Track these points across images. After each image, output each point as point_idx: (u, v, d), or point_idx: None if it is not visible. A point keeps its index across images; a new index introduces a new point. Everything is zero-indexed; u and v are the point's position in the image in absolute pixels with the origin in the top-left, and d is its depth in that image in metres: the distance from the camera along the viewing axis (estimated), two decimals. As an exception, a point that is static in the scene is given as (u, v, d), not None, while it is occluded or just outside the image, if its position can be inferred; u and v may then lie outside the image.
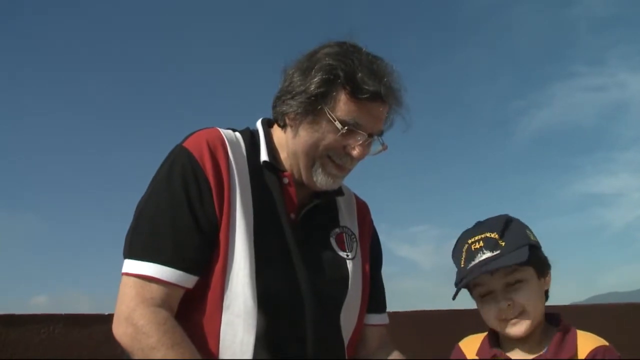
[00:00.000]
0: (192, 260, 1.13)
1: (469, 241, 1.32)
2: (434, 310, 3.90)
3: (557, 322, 1.34)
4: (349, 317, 1.32)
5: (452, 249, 1.41)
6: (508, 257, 1.26)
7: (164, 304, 1.09)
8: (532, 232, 1.36)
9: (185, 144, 1.21)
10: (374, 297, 1.41)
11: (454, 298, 1.36)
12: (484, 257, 1.28)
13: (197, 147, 1.19)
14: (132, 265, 1.11)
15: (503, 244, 1.28)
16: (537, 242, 1.35)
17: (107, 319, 2.31)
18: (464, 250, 1.33)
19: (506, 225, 1.32)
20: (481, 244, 1.30)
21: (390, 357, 1.37)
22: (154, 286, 1.09)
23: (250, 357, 1.12)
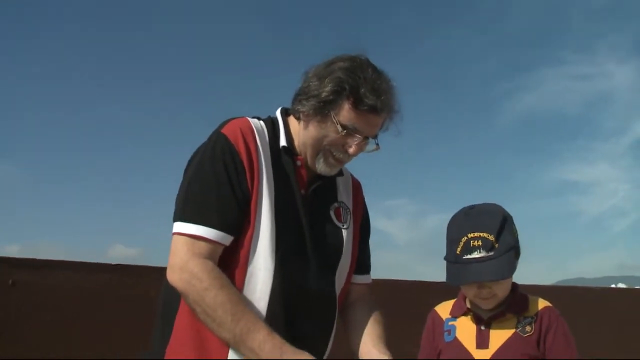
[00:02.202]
0: (231, 224, 1.43)
1: (469, 235, 1.59)
2: (402, 281, 4.25)
3: (514, 289, 1.70)
4: (341, 276, 1.64)
5: (449, 224, 1.69)
6: (499, 264, 1.56)
7: (210, 257, 1.39)
8: (515, 227, 1.67)
9: (223, 131, 1.50)
10: (361, 261, 1.73)
11: (449, 280, 1.62)
12: (480, 255, 1.57)
13: (233, 133, 1.49)
14: (183, 227, 1.41)
15: (497, 246, 1.58)
16: (517, 238, 1.67)
17: (111, 268, 2.59)
18: (462, 241, 1.60)
19: (501, 226, 1.60)
20: (479, 242, 1.58)
21: (364, 309, 1.68)
22: (202, 244, 1.39)
23: (267, 302, 1.43)
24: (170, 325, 1.46)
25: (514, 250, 1.62)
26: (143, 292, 2.49)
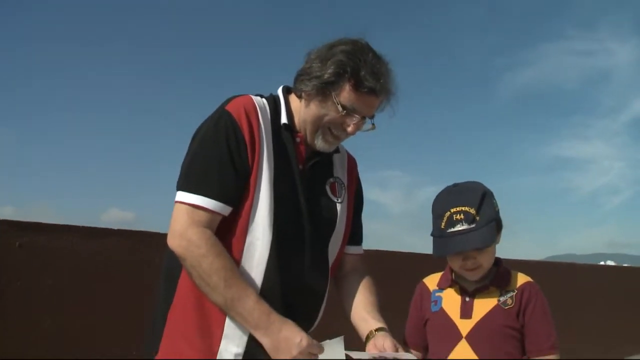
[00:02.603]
0: (230, 195, 1.53)
1: (452, 210, 1.70)
2: (395, 252, 4.38)
3: (498, 264, 1.81)
4: (334, 247, 1.74)
5: (433, 202, 1.79)
6: (481, 234, 1.67)
7: (208, 226, 1.49)
8: (495, 200, 1.78)
9: (227, 108, 1.58)
10: (354, 232, 1.84)
11: (435, 253, 1.73)
12: (462, 227, 1.67)
13: (236, 110, 1.57)
14: (185, 196, 1.50)
15: (478, 218, 1.68)
16: (498, 211, 1.77)
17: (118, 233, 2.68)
18: (445, 216, 1.71)
19: (482, 200, 1.71)
20: (462, 216, 1.68)
21: (357, 279, 1.79)
22: (201, 212, 1.49)
23: (264, 269, 1.53)
24: (173, 289, 1.57)
25: (495, 222, 1.73)
26: (146, 257, 2.59)
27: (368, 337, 1.62)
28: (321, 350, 1.47)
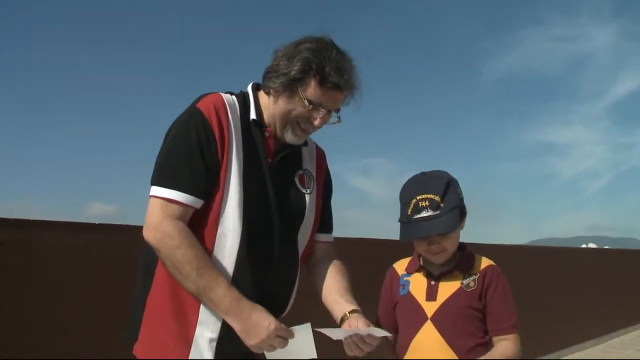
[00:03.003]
0: (202, 190, 1.60)
1: (418, 197, 1.80)
2: (374, 239, 4.46)
3: (463, 249, 1.92)
4: (303, 236, 1.83)
5: (401, 190, 1.89)
6: (445, 220, 1.77)
7: (181, 218, 1.58)
8: (459, 188, 1.88)
9: (198, 105, 1.65)
10: (323, 221, 1.92)
11: (401, 238, 1.84)
12: (428, 213, 1.78)
13: (206, 108, 1.64)
14: (159, 191, 1.58)
15: (442, 205, 1.78)
16: (462, 199, 1.88)
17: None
18: (412, 202, 1.81)
19: (446, 188, 1.81)
20: (427, 203, 1.78)
21: (328, 265, 1.87)
22: (175, 206, 1.57)
23: (235, 259, 1.62)
24: (150, 279, 1.65)
25: (459, 209, 1.83)
26: (131, 251, 2.64)
27: (342, 320, 1.70)
28: (290, 334, 1.55)
